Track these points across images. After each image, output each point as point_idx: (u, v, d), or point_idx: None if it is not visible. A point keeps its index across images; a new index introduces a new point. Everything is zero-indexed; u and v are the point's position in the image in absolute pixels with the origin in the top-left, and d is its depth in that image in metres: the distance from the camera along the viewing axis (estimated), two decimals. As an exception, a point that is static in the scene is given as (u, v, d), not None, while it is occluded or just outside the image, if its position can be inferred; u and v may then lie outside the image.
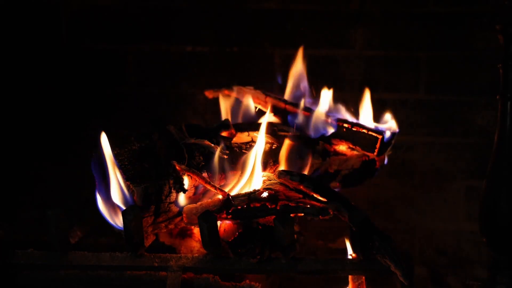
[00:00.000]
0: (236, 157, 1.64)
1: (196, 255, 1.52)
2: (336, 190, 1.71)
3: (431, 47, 2.33)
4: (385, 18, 2.33)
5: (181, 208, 1.57)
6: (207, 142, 1.61)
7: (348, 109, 1.87)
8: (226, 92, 2.02)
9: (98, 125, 1.59)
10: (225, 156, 1.61)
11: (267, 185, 1.59)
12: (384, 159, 1.85)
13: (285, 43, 2.36)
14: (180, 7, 2.35)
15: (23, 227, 2.18)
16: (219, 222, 1.53)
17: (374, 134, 1.73)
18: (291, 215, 1.52)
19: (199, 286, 1.50)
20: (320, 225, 1.94)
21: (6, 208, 2.32)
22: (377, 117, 1.88)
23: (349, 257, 1.56)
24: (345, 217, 1.49)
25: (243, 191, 1.59)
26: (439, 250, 2.38)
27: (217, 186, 1.57)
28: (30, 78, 2.37)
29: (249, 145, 1.68)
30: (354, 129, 1.76)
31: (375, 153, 1.74)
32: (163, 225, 1.59)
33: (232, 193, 1.58)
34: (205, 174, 1.58)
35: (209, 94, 2.07)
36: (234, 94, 2.01)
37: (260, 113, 1.93)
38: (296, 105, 1.87)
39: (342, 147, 1.81)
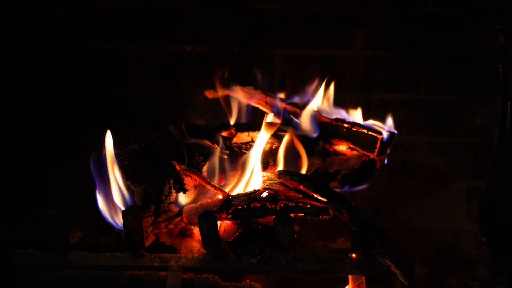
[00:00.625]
0: (236, 157, 1.63)
1: (196, 255, 1.52)
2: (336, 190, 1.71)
3: (431, 47, 2.33)
4: (385, 18, 2.33)
5: (181, 208, 1.57)
6: (207, 142, 1.61)
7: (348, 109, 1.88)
8: (226, 92, 2.03)
9: (98, 125, 1.59)
10: (225, 156, 1.61)
11: (267, 185, 1.59)
12: (384, 159, 1.85)
13: (285, 43, 2.36)
14: (180, 7, 2.35)
15: (23, 227, 2.18)
16: (219, 222, 1.53)
17: (374, 134, 1.73)
18: (291, 215, 1.52)
19: (199, 286, 1.50)
20: (320, 225, 1.94)
21: (6, 208, 2.32)
22: (377, 117, 1.88)
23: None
24: (345, 217, 1.49)
25: (243, 191, 1.59)
26: (439, 250, 2.38)
27: (217, 186, 1.57)
28: (30, 78, 2.37)
29: (249, 145, 1.68)
30: (354, 129, 1.76)
31: (375, 153, 1.74)
32: (163, 225, 1.59)
33: (232, 193, 1.58)
34: (205, 174, 1.58)
35: (209, 94, 2.07)
36: (234, 94, 2.01)
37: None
38: (296, 105, 1.87)
39: (342, 147, 1.81)
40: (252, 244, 1.50)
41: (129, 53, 2.37)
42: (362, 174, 1.86)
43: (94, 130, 1.58)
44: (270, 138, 1.72)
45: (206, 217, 1.45)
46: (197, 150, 1.60)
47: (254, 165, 1.62)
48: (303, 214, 1.54)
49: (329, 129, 1.80)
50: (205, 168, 1.58)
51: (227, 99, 1.97)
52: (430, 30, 2.32)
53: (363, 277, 1.55)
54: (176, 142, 1.61)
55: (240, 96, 1.98)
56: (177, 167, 1.53)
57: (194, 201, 1.59)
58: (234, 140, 1.71)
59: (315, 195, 1.55)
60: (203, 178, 1.54)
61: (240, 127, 1.78)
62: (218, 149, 1.60)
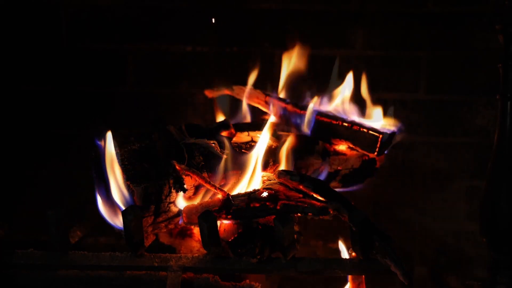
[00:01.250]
0: (236, 157, 1.63)
1: (196, 255, 1.52)
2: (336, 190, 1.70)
3: (431, 47, 2.33)
4: (385, 18, 2.33)
5: (181, 208, 1.57)
6: (207, 142, 1.61)
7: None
8: (226, 92, 2.03)
9: (98, 125, 1.59)
10: (225, 156, 1.61)
11: (267, 185, 1.59)
12: (384, 159, 1.85)
13: (285, 43, 2.36)
14: (180, 7, 2.35)
15: (23, 227, 2.18)
16: (219, 222, 1.53)
17: (374, 133, 1.73)
18: (291, 215, 1.52)
19: (199, 286, 1.50)
20: (320, 225, 1.94)
21: (6, 208, 2.32)
22: (377, 117, 1.88)
23: (347, 256, 1.56)
24: (345, 217, 1.49)
25: (243, 191, 1.59)
26: (439, 250, 2.38)
27: (217, 186, 1.57)
28: (30, 78, 2.37)
29: (249, 145, 1.68)
30: (354, 128, 1.75)
31: (376, 153, 1.74)
32: (163, 225, 1.59)
33: (232, 193, 1.58)
34: (205, 174, 1.58)
35: (209, 93, 2.07)
36: (234, 94, 2.01)
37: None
38: (296, 104, 1.87)
39: (342, 147, 1.81)
40: (252, 244, 1.50)
41: (129, 53, 2.37)
42: (362, 173, 1.86)
43: (94, 130, 1.58)
44: (270, 138, 1.72)
45: (206, 217, 1.45)
46: (197, 150, 1.60)
47: (256, 164, 1.62)
48: (303, 214, 1.54)
49: (329, 128, 1.80)
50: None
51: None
52: (430, 30, 2.32)
53: (363, 277, 1.55)
54: (176, 142, 1.61)
55: (240, 96, 1.98)
56: (177, 167, 1.53)
57: (194, 201, 1.60)
58: (234, 140, 1.71)
59: (315, 195, 1.55)
60: (203, 178, 1.54)
61: (240, 127, 1.78)
62: (218, 149, 1.60)
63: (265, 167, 1.68)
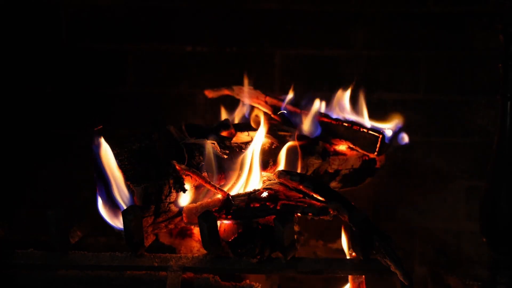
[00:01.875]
0: (236, 157, 1.63)
1: (196, 255, 1.52)
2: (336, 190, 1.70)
3: (431, 47, 2.33)
4: (385, 18, 2.33)
5: (181, 208, 1.57)
6: (207, 142, 1.61)
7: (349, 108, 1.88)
8: (226, 92, 2.03)
9: (98, 125, 1.59)
10: (225, 156, 1.61)
11: (267, 185, 1.59)
12: (384, 159, 1.85)
13: (285, 43, 2.36)
14: (180, 7, 2.35)
15: (23, 227, 2.18)
16: (219, 222, 1.53)
17: (374, 133, 1.73)
18: (291, 215, 1.51)
19: (199, 286, 1.50)
20: (320, 225, 1.94)
21: (7, 208, 2.32)
22: (377, 117, 1.88)
23: (348, 256, 1.56)
24: (345, 217, 1.49)
25: (243, 191, 1.59)
26: (439, 250, 2.38)
27: (217, 186, 1.57)
28: (30, 78, 2.37)
29: (249, 145, 1.68)
30: (354, 128, 1.75)
31: (376, 153, 1.74)
32: (163, 225, 1.59)
33: (232, 193, 1.58)
34: (205, 174, 1.58)
35: (209, 93, 2.07)
36: (234, 94, 2.01)
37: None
38: (296, 105, 1.87)
39: (342, 147, 1.81)
40: (252, 244, 1.50)
41: (129, 53, 2.37)
42: (362, 173, 1.86)
43: (94, 130, 1.58)
44: (270, 138, 1.71)
45: (206, 217, 1.45)
46: (197, 150, 1.60)
47: (252, 164, 1.62)
48: (303, 214, 1.54)
49: (329, 128, 1.80)
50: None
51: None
52: (430, 30, 2.32)
53: (363, 277, 1.55)
54: (176, 142, 1.61)
55: (240, 96, 1.98)
56: (177, 167, 1.53)
57: (194, 201, 1.59)
58: (234, 140, 1.71)
59: (315, 195, 1.55)
60: (203, 178, 1.54)
61: (240, 127, 1.78)
62: (218, 149, 1.60)
63: (265, 167, 1.68)
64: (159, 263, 1.49)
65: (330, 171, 1.81)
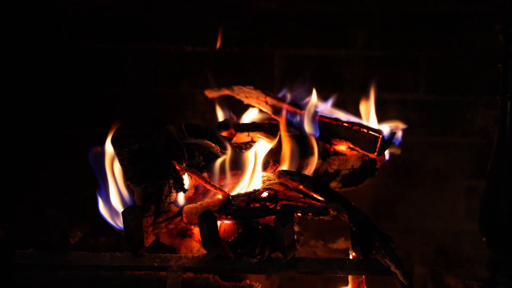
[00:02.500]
0: (236, 157, 1.63)
1: (196, 255, 1.52)
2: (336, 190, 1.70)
3: (431, 47, 2.33)
4: (385, 18, 2.33)
5: (181, 208, 1.57)
6: (207, 142, 1.61)
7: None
8: (226, 92, 2.03)
9: (97, 125, 1.59)
10: (225, 156, 1.61)
11: (267, 185, 1.59)
12: (384, 159, 1.85)
13: (285, 43, 2.36)
14: (180, 7, 2.35)
15: (23, 227, 2.18)
16: (219, 222, 1.53)
17: (374, 133, 1.73)
18: (291, 215, 1.52)
19: (199, 286, 1.50)
20: (320, 225, 1.93)
21: (6, 208, 2.32)
22: (377, 117, 1.89)
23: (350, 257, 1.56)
24: (345, 217, 1.49)
25: (243, 191, 1.59)
26: (439, 250, 2.38)
27: (217, 186, 1.57)
28: (30, 77, 2.37)
29: (249, 145, 1.68)
30: (354, 128, 1.75)
31: (376, 153, 1.74)
32: (163, 225, 1.59)
33: (232, 193, 1.58)
34: (205, 174, 1.58)
35: (209, 93, 2.07)
36: (234, 94, 2.01)
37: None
38: (296, 105, 1.87)
39: (342, 147, 1.81)
40: (252, 244, 1.50)
41: (129, 53, 2.37)
42: (362, 173, 1.86)
43: (94, 130, 1.58)
44: (270, 138, 1.72)
45: (206, 217, 1.45)
46: (197, 150, 1.60)
47: (256, 165, 1.62)
48: (303, 214, 1.54)
49: (329, 129, 1.80)
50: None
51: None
52: (430, 30, 2.32)
53: (363, 277, 1.55)
54: (176, 142, 1.61)
55: (240, 96, 1.98)
56: (177, 167, 1.53)
57: (194, 201, 1.59)
58: (234, 140, 1.71)
59: (315, 195, 1.55)
60: (203, 178, 1.54)
61: (240, 127, 1.78)
62: (218, 149, 1.60)
63: (265, 167, 1.68)
64: (159, 263, 1.50)
65: (330, 171, 1.81)
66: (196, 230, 1.67)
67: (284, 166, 1.66)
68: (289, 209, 1.52)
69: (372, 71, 2.36)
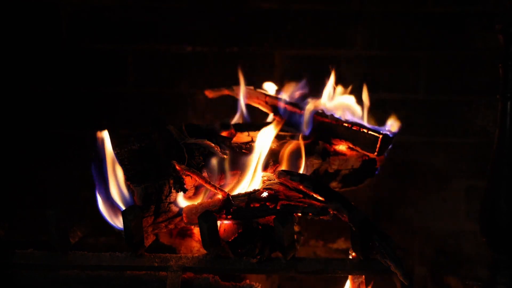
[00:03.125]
0: (236, 157, 1.63)
1: (196, 255, 1.52)
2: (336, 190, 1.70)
3: (431, 47, 2.33)
4: (385, 18, 2.33)
5: (181, 208, 1.57)
6: (207, 142, 1.61)
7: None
8: (226, 92, 2.03)
9: (97, 125, 1.59)
10: (225, 156, 1.61)
11: (267, 185, 1.59)
12: (384, 159, 1.85)
13: (285, 43, 2.36)
14: (180, 7, 2.35)
15: (23, 227, 2.18)
16: (219, 222, 1.53)
17: (374, 133, 1.73)
18: (291, 215, 1.52)
19: (199, 286, 1.50)
20: (320, 225, 1.94)
21: (6, 207, 2.32)
22: (378, 117, 1.88)
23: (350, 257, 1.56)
24: (345, 217, 1.49)
25: (243, 191, 1.59)
26: (439, 250, 2.38)
27: (217, 186, 1.57)
28: (30, 78, 2.37)
29: (249, 145, 1.68)
30: (354, 128, 1.75)
31: (376, 153, 1.74)
32: (163, 225, 1.59)
33: (232, 193, 1.58)
34: (205, 174, 1.58)
35: (209, 93, 2.07)
36: (234, 94, 2.01)
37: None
38: (296, 105, 1.87)
39: (342, 147, 1.81)
40: (252, 244, 1.50)
41: (129, 53, 2.37)
42: (362, 173, 1.86)
43: (94, 130, 1.58)
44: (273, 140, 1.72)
45: (206, 217, 1.45)
46: (197, 150, 1.60)
47: (257, 165, 1.62)
48: (303, 214, 1.54)
49: (329, 129, 1.80)
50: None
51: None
52: (430, 30, 2.32)
53: (363, 277, 1.55)
54: (176, 142, 1.61)
55: (240, 96, 1.98)
56: (177, 167, 1.53)
57: (194, 201, 1.60)
58: (234, 140, 1.71)
59: (315, 195, 1.55)
60: (203, 178, 1.54)
61: (240, 127, 1.78)
62: (218, 149, 1.60)
63: (265, 167, 1.67)
64: (159, 263, 1.49)
65: (330, 171, 1.81)
66: (196, 230, 1.67)
67: (282, 166, 1.66)
68: (289, 209, 1.52)
69: (372, 71, 2.36)
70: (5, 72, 2.35)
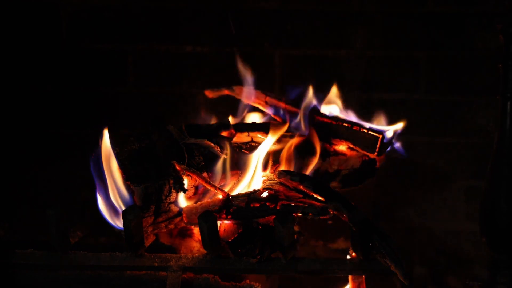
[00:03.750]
0: (236, 157, 1.63)
1: (196, 255, 1.52)
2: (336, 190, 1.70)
3: (431, 47, 2.33)
4: (385, 18, 2.33)
5: (181, 208, 1.57)
6: (207, 142, 1.61)
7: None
8: (226, 92, 2.03)
9: (97, 125, 1.59)
10: (225, 156, 1.61)
11: (267, 185, 1.59)
12: (384, 159, 1.85)
13: (285, 43, 2.36)
14: (180, 7, 2.35)
15: (23, 227, 2.18)
16: (219, 222, 1.53)
17: (374, 134, 1.73)
18: (291, 215, 1.52)
19: (199, 286, 1.50)
20: (320, 225, 1.94)
21: (6, 207, 2.32)
22: (377, 117, 1.88)
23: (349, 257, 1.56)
24: (345, 217, 1.49)
25: (243, 191, 1.59)
26: (439, 250, 2.38)
27: (217, 186, 1.57)
28: (30, 77, 2.37)
29: (249, 145, 1.68)
30: (354, 128, 1.75)
31: (376, 153, 1.74)
32: (163, 225, 1.59)
33: (232, 193, 1.58)
34: (205, 174, 1.58)
35: (209, 93, 2.07)
36: (234, 94, 2.01)
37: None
38: (296, 104, 1.87)
39: (342, 147, 1.81)
40: (252, 244, 1.50)
41: (129, 53, 2.37)
42: (362, 173, 1.86)
43: (94, 130, 1.58)
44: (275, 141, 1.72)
45: (206, 217, 1.45)
46: (197, 150, 1.60)
47: (257, 165, 1.62)
48: (303, 214, 1.54)
49: (329, 129, 1.80)
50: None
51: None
52: (430, 30, 2.32)
53: (363, 277, 1.55)
54: (176, 142, 1.61)
55: (240, 96, 1.98)
56: (177, 167, 1.53)
57: (194, 201, 1.60)
58: (234, 140, 1.71)
59: (315, 195, 1.55)
60: (203, 178, 1.54)
61: (240, 127, 1.78)
62: (218, 149, 1.60)
63: (265, 167, 1.68)
64: (159, 263, 1.50)
65: (330, 171, 1.81)
66: (196, 230, 1.67)
67: (282, 166, 1.66)
68: (289, 209, 1.52)
69: (372, 71, 2.36)
70: (5, 72, 2.35)
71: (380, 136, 1.72)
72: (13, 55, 2.36)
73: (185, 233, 1.70)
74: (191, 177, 1.55)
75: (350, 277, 1.57)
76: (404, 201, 2.39)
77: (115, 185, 1.52)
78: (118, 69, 2.37)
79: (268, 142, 1.65)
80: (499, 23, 1.62)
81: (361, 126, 1.76)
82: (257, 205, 1.54)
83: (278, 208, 1.54)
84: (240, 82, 2.01)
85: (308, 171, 1.71)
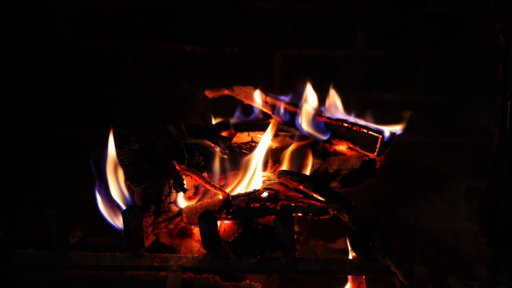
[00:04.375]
0: (236, 157, 1.63)
1: (196, 255, 1.52)
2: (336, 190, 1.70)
3: (431, 47, 2.33)
4: (385, 18, 2.33)
5: (181, 208, 1.57)
6: (207, 142, 1.61)
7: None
8: (226, 92, 2.03)
9: (98, 125, 1.59)
10: (225, 156, 1.61)
11: (267, 185, 1.59)
12: (384, 159, 1.85)
13: (285, 43, 2.36)
14: (180, 7, 2.35)
15: (23, 227, 2.18)
16: (219, 222, 1.53)
17: (374, 134, 1.73)
18: (291, 215, 1.52)
19: (199, 286, 1.50)
20: (320, 225, 1.94)
21: (6, 208, 2.32)
22: (377, 117, 1.88)
23: (350, 257, 1.56)
24: (345, 217, 1.49)
25: (243, 191, 1.59)
26: (439, 250, 2.38)
27: (217, 186, 1.57)
28: (30, 78, 2.37)
29: (249, 145, 1.68)
30: (354, 128, 1.75)
31: (376, 153, 1.74)
32: (163, 225, 1.59)
33: (232, 193, 1.58)
34: (205, 174, 1.58)
35: (209, 93, 2.07)
36: (234, 94, 2.01)
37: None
38: (296, 105, 1.87)
39: (342, 147, 1.81)
40: (252, 244, 1.50)
41: (129, 53, 2.37)
42: (362, 174, 1.86)
43: (94, 130, 1.58)
44: (272, 139, 1.72)
45: (206, 217, 1.45)
46: (197, 150, 1.60)
47: (256, 165, 1.62)
48: (303, 214, 1.54)
49: (329, 129, 1.80)
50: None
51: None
52: (430, 30, 2.32)
53: (363, 277, 1.55)
54: (176, 142, 1.61)
55: (240, 96, 1.98)
56: (177, 167, 1.53)
57: (194, 201, 1.60)
58: (234, 140, 1.71)
59: (315, 195, 1.55)
60: (203, 178, 1.54)
61: (240, 127, 1.78)
62: (218, 150, 1.60)
63: (265, 167, 1.68)
64: (159, 263, 1.50)
65: (330, 171, 1.81)
66: (196, 230, 1.67)
67: (283, 166, 1.66)
68: (289, 209, 1.52)
69: (372, 71, 2.36)
70: (5, 72, 2.36)
71: (380, 136, 1.71)
72: (13, 55, 2.36)
73: (185, 233, 1.70)
74: (191, 177, 1.55)
75: (350, 277, 1.57)
76: (404, 201, 2.39)
77: (116, 185, 1.52)
78: (118, 69, 2.38)
79: (265, 141, 1.65)
80: (499, 23, 1.62)
81: (361, 126, 1.75)
82: (257, 205, 1.54)
83: (278, 208, 1.54)
84: (240, 82, 2.01)
85: (307, 171, 1.71)
